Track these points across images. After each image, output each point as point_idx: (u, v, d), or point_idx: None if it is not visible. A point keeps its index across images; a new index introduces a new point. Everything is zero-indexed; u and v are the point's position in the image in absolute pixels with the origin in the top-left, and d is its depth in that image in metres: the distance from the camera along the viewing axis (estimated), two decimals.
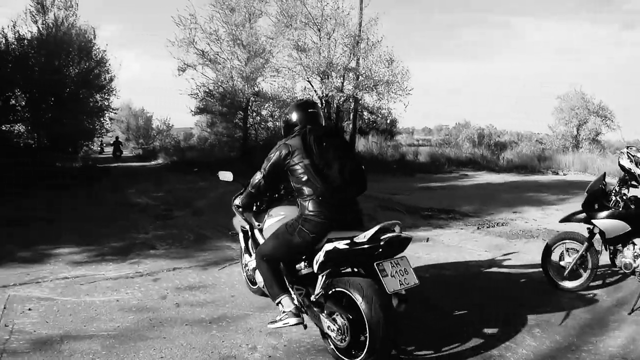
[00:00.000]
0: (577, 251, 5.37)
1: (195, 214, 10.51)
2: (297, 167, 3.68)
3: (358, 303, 3.38)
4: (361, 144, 25.07)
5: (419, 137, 62.61)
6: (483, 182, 16.49)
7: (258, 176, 4.03)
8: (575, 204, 11.60)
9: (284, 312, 3.80)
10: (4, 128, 16.43)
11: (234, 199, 4.80)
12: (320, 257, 3.56)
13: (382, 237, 3.43)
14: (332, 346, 3.69)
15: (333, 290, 3.63)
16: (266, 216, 4.34)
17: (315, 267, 3.62)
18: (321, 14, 20.72)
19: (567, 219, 5.49)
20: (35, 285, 5.74)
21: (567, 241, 5.49)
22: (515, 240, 8.02)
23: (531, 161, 22.84)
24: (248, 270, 5.09)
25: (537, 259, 5.86)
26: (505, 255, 7.06)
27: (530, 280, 5.94)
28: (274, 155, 3.82)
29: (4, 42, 16.91)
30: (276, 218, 4.17)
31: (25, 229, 9.07)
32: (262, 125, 23.36)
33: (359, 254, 3.50)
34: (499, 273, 6.26)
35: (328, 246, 3.53)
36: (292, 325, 3.76)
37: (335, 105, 21.67)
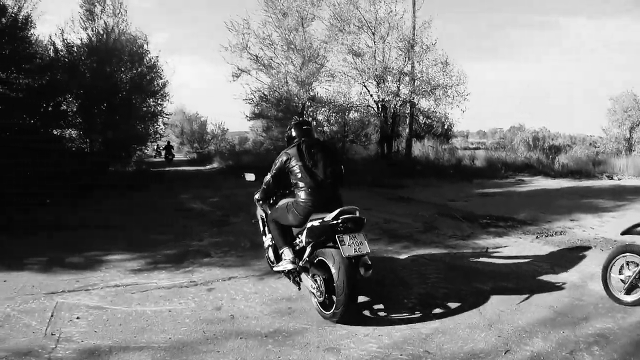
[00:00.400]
0: (638, 265, 5.04)
1: (251, 221, 10.22)
2: (294, 168, 5.20)
3: (330, 267, 4.66)
4: (417, 149, 24.56)
5: (473, 140, 61.49)
6: (539, 188, 15.94)
7: (268, 176, 5.56)
8: (631, 211, 11.12)
9: (284, 259, 5.26)
10: (55, 132, 16.64)
11: (255, 194, 5.95)
12: (304, 232, 5.01)
13: (342, 217, 4.69)
14: (315, 300, 4.94)
15: (316, 259, 4.91)
16: (276, 206, 5.68)
17: (304, 241, 5.04)
18: (375, 17, 20.43)
19: (628, 231, 5.24)
20: (85, 292, 5.67)
21: (627, 254, 5.17)
22: (574, 250, 7.60)
23: (586, 165, 21.99)
24: (267, 247, 6.14)
25: (596, 270, 5.94)
26: (563, 267, 6.64)
27: (589, 293, 5.51)
28: (278, 162, 5.37)
29: (52, 49, 17.26)
30: (282, 205, 5.54)
31: (76, 234, 9.13)
32: (318, 130, 23.13)
33: (327, 229, 4.75)
34: (556, 286, 5.82)
35: (308, 224, 4.94)
36: (289, 269, 5.21)
37: (391, 110, 21.22)
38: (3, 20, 13.22)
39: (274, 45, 21.86)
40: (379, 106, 21.07)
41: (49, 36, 17.59)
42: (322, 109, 22.49)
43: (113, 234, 9.11)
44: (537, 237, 8.44)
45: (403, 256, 7.30)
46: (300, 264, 5.10)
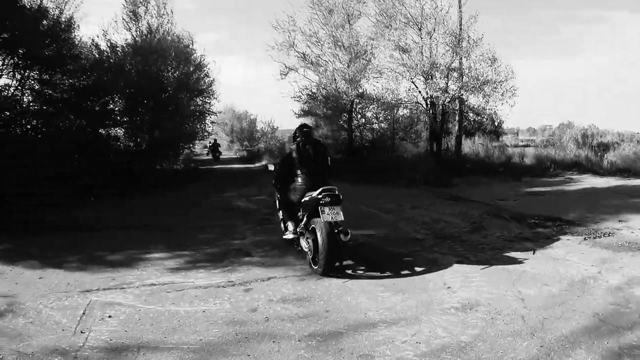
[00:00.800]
0: None
1: None
2: (295, 160, 7.07)
3: (317, 232, 6.24)
4: (467, 146, 23.97)
5: (523, 137, 60.09)
6: (588, 187, 15.30)
7: (277, 167, 7.80)
8: None
9: (288, 230, 7.27)
10: (102, 132, 16.94)
11: (273, 180, 7.77)
12: (301, 207, 6.87)
13: (323, 193, 6.32)
14: (308, 258, 6.55)
15: (310, 226, 6.54)
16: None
17: (301, 213, 6.97)
18: (420, 13, 19.96)
19: None
20: (120, 291, 5.71)
21: None
22: (622, 253, 7.14)
23: (634, 164, 21.02)
24: (280, 220, 7.84)
25: None
26: (610, 271, 6.25)
27: (636, 300, 5.13)
28: (284, 156, 7.71)
29: (96, 50, 17.61)
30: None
31: (117, 233, 9.25)
32: (367, 127, 22.84)
33: (315, 202, 6.38)
34: (602, 291, 5.46)
35: (303, 200, 6.75)
36: (290, 238, 7.14)
37: (440, 106, 20.75)
38: (44, 22, 13.46)
39: (321, 42, 21.78)
40: (428, 103, 20.64)
41: (91, 38, 17.65)
42: (371, 106, 22.17)
43: (154, 232, 9.20)
44: (585, 239, 8.05)
45: (447, 258, 7.06)
46: (298, 230, 6.98)
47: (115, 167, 15.65)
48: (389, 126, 22.54)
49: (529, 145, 32.88)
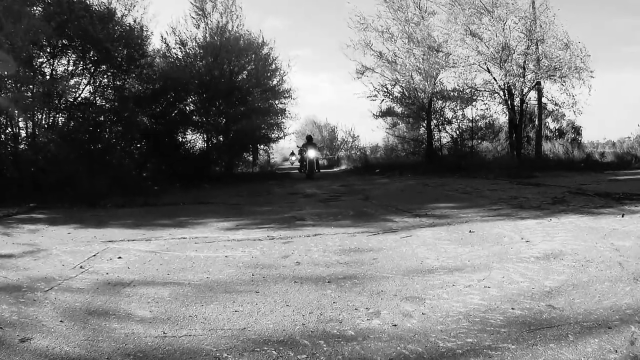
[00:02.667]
0: None
1: (366, 199, 9.15)
2: (302, 151, 19.52)
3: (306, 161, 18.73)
4: (547, 149, 22.18)
5: (602, 150, 56.54)
6: None
7: (298, 155, 22.07)
8: None
9: (301, 170, 19.59)
10: (180, 139, 17.00)
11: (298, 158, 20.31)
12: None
13: (309, 151, 18.59)
14: (303, 171, 19.16)
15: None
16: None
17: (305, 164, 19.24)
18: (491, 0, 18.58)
19: None
20: (145, 242, 5.03)
21: None
22: None
23: None
24: (299, 168, 20.13)
25: None
26: None
27: None
28: (300, 148, 20.72)
29: (165, 46, 17.42)
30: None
31: (184, 207, 8.63)
32: (445, 127, 21.47)
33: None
34: None
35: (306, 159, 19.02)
36: (301, 170, 19.36)
37: (518, 97, 19.22)
38: (111, 25, 12.94)
39: (394, 37, 20.57)
40: (505, 92, 19.20)
41: (160, 35, 17.34)
42: (449, 104, 20.88)
43: (219, 206, 8.52)
44: None
45: (526, 219, 5.93)
46: (303, 164, 19.11)
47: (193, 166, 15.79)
48: (467, 127, 21.28)
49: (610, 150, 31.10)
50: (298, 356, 2.19)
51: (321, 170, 21.16)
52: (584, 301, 2.92)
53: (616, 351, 2.22)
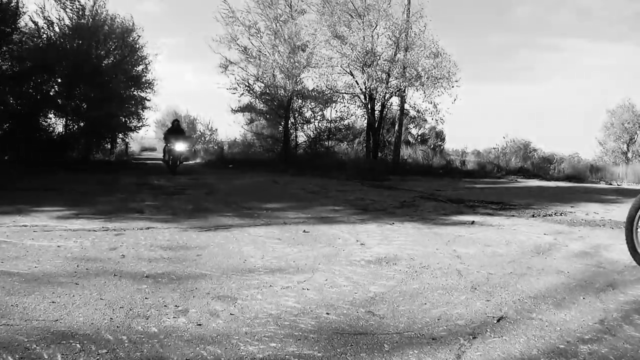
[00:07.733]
0: None
1: (209, 194, 9.34)
2: (169, 135, 16.03)
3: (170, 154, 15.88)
4: (407, 154, 23.28)
5: (468, 159, 61.07)
6: (535, 185, 14.80)
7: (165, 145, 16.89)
8: None
9: (164, 160, 16.47)
10: (42, 122, 16.16)
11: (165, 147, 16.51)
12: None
13: (173, 141, 15.69)
14: (166, 166, 15.89)
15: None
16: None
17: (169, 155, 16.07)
18: (363, 5, 19.09)
19: None
20: None
21: None
22: (579, 227, 6.51)
23: (583, 171, 21.30)
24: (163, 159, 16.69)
25: (609, 242, 5.30)
26: (569, 239, 5.59)
27: (608, 261, 4.54)
28: (165, 135, 16.85)
29: (34, 27, 16.27)
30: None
31: (28, 195, 8.32)
32: (304, 126, 22.00)
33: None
34: (564, 253, 4.84)
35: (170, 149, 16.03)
36: (164, 160, 16.39)
37: (380, 103, 19.92)
38: None
39: (260, 33, 20.55)
40: (366, 96, 19.83)
41: (29, 16, 16.25)
42: (308, 102, 21.30)
43: (59, 195, 8.25)
44: (533, 216, 7.35)
45: (366, 222, 6.37)
46: (167, 158, 15.94)
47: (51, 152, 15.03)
48: (325, 127, 21.89)
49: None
50: (99, 350, 2.24)
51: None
52: (410, 309, 3.00)
53: None
